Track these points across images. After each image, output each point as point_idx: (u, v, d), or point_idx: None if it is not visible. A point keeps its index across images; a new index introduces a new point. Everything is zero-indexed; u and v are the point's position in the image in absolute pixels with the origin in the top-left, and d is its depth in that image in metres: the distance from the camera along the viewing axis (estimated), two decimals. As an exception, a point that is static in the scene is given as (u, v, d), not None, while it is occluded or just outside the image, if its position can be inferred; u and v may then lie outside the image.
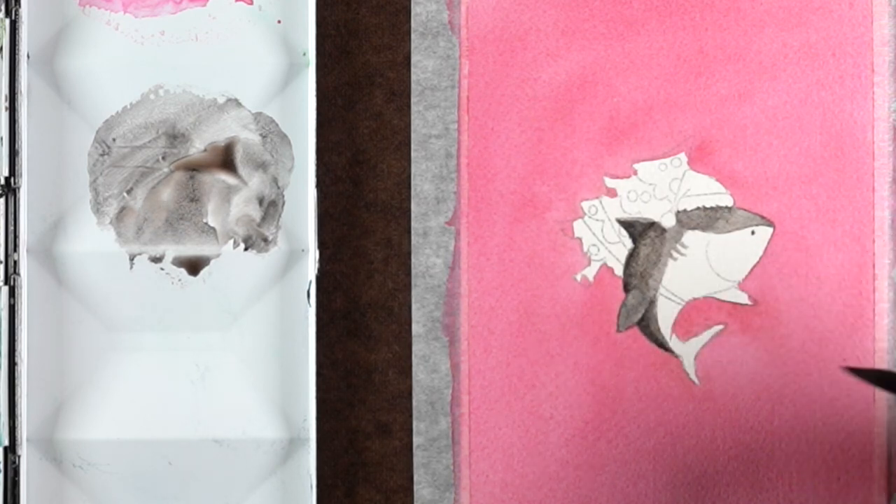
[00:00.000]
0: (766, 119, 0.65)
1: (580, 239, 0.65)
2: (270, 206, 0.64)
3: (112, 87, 0.64)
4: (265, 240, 0.64)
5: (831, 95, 0.65)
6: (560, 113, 0.65)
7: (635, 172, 0.65)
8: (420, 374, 0.65)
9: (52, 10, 0.64)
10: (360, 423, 0.66)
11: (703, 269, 0.65)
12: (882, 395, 0.64)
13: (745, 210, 0.65)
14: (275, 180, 0.64)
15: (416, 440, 0.65)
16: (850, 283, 0.64)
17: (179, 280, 0.64)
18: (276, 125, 0.64)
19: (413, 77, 0.65)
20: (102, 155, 0.64)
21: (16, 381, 0.62)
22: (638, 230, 0.65)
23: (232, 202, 0.64)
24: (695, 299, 0.65)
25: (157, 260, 0.64)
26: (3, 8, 0.63)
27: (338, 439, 0.66)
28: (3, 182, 0.62)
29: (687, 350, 0.65)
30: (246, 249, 0.64)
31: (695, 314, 0.65)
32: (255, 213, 0.64)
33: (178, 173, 0.64)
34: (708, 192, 0.65)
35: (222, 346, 0.64)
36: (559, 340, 0.65)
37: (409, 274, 0.66)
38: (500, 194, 0.65)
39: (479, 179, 0.65)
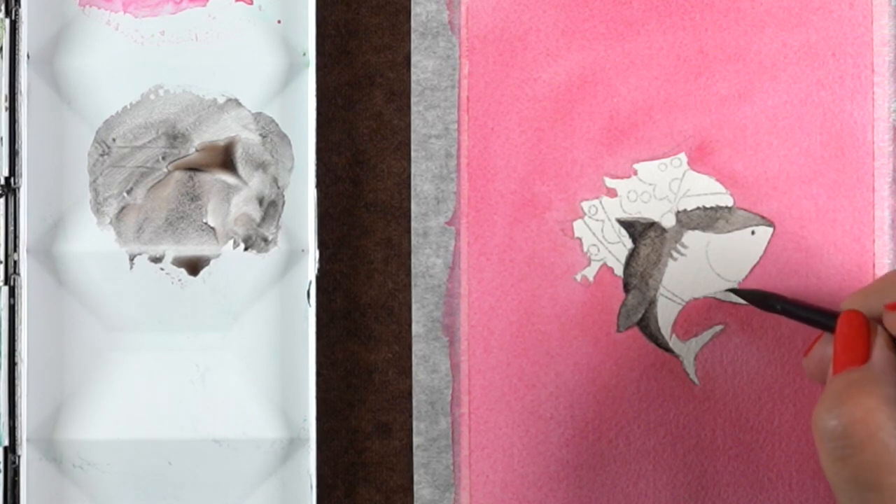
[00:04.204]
0: (766, 119, 0.65)
1: (580, 239, 0.65)
2: (270, 206, 0.64)
3: (112, 87, 0.64)
4: (265, 240, 0.64)
5: (831, 95, 0.65)
6: (560, 113, 0.65)
7: (635, 172, 0.65)
8: (420, 374, 0.65)
9: (52, 10, 0.64)
10: (360, 423, 0.66)
11: (703, 269, 0.65)
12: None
13: (745, 210, 0.65)
14: (275, 180, 0.64)
15: (416, 440, 0.65)
16: (850, 283, 0.64)
17: (179, 280, 0.64)
18: (276, 125, 0.64)
19: (413, 77, 0.65)
20: (102, 155, 0.64)
21: (16, 381, 0.62)
22: (638, 230, 0.65)
23: (232, 202, 0.64)
24: (695, 299, 0.65)
25: (157, 260, 0.64)
26: (3, 8, 0.63)
27: (338, 439, 0.66)
28: (3, 182, 0.62)
29: (687, 350, 0.65)
30: (246, 249, 0.64)
31: (695, 314, 0.65)
32: (255, 213, 0.64)
33: (178, 173, 0.64)
34: (708, 192, 0.65)
35: (222, 346, 0.64)
36: (559, 340, 0.65)
37: (409, 274, 0.66)
38: (500, 194, 0.65)
39: (479, 179, 0.65)
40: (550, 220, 0.65)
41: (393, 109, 0.66)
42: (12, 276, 0.62)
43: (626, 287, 0.65)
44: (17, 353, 0.62)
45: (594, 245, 0.65)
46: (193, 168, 0.64)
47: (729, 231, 0.65)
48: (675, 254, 0.65)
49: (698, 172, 0.65)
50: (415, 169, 0.65)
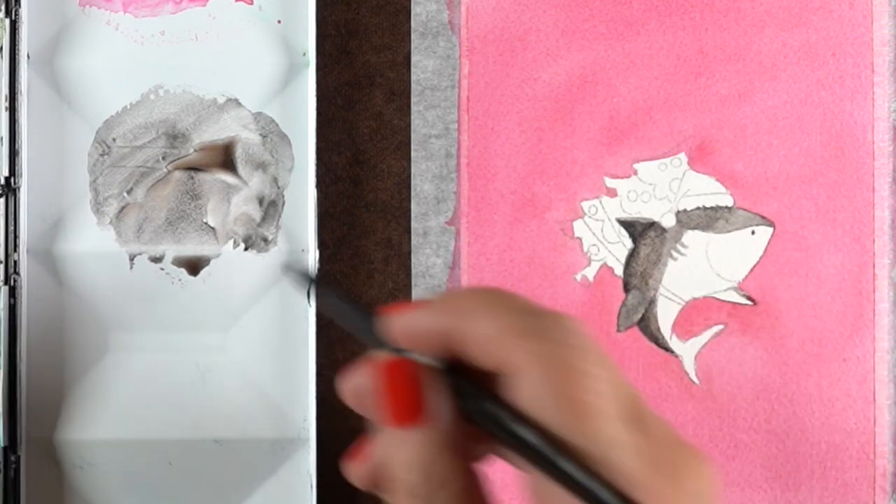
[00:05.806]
0: (766, 119, 0.65)
1: (580, 239, 0.65)
2: (270, 206, 0.64)
3: (112, 87, 0.64)
4: (265, 240, 0.64)
5: (831, 95, 0.65)
6: (560, 113, 0.65)
7: (635, 172, 0.65)
8: (420, 374, 0.65)
9: (52, 10, 0.64)
10: (361, 423, 0.66)
11: (703, 269, 0.65)
12: (882, 395, 0.64)
13: (745, 210, 0.65)
14: (275, 180, 0.64)
15: (416, 440, 0.65)
16: (850, 283, 0.64)
17: (179, 280, 0.64)
18: (276, 125, 0.64)
19: (413, 77, 0.65)
20: (102, 155, 0.64)
21: (16, 381, 0.62)
22: (638, 230, 0.65)
23: (232, 202, 0.64)
24: (695, 299, 0.65)
25: (157, 260, 0.64)
26: (3, 8, 0.63)
27: (338, 439, 0.66)
28: (3, 182, 0.62)
29: (687, 350, 0.65)
30: (246, 249, 0.64)
31: (695, 314, 0.65)
32: (255, 212, 0.64)
33: (178, 173, 0.64)
34: (708, 192, 0.65)
35: (222, 346, 0.64)
36: (559, 340, 0.65)
37: (409, 274, 0.66)
38: (500, 194, 0.65)
39: (479, 179, 0.65)
40: (550, 220, 0.65)
41: (393, 109, 0.66)
42: (12, 276, 0.62)
43: (626, 287, 0.65)
44: (17, 353, 0.62)
45: (594, 245, 0.65)
46: (193, 168, 0.64)
47: (729, 231, 0.65)
48: (675, 254, 0.65)
49: (698, 172, 0.65)
50: (415, 169, 0.65)
